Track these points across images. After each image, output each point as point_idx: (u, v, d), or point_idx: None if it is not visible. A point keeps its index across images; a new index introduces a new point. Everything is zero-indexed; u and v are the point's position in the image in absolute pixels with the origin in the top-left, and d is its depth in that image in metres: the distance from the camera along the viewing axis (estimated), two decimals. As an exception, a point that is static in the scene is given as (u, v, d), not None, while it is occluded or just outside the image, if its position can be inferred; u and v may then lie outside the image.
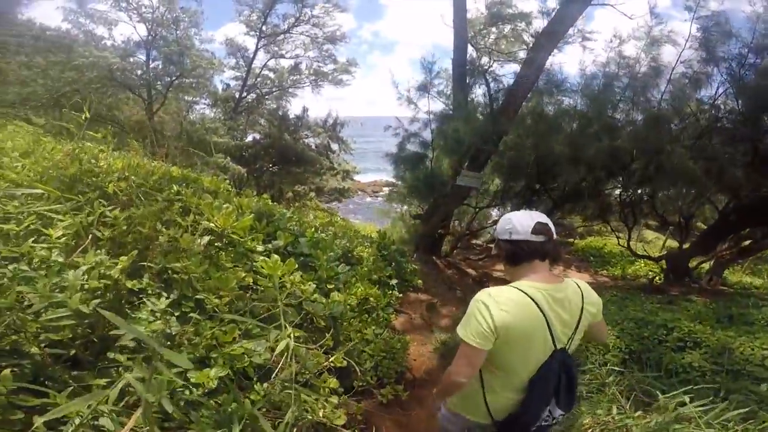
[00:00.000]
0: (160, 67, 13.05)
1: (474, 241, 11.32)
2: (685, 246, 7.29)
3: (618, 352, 3.55)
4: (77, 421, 0.97)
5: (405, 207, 11.07)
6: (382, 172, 25.23)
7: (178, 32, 13.30)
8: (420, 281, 5.66)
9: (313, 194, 15.78)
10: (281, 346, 1.42)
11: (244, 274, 2.02)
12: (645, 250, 8.99)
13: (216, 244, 2.15)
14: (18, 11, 12.46)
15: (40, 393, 1.06)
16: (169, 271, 1.74)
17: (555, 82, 7.62)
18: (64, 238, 1.57)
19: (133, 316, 1.47)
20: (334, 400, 1.73)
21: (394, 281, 4.64)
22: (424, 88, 8.26)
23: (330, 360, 1.83)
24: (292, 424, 1.33)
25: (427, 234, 8.31)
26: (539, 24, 8.12)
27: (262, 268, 1.76)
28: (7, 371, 1.03)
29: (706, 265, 7.53)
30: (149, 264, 1.72)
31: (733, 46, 6.15)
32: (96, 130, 2.77)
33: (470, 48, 8.32)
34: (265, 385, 1.52)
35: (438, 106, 8.50)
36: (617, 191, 7.78)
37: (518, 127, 7.63)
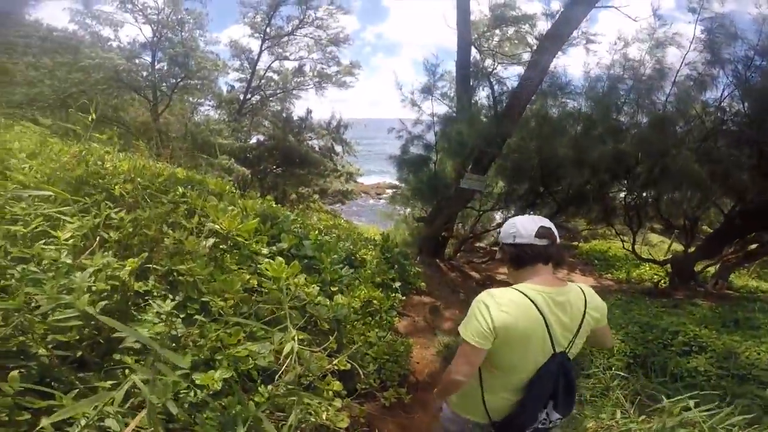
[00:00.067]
0: (165, 68, 13.18)
1: (477, 244, 11.29)
2: (691, 249, 7.24)
3: (622, 356, 3.54)
4: (83, 422, 0.97)
5: (408, 209, 11.06)
6: (386, 174, 25.31)
7: (183, 34, 13.44)
8: (423, 284, 5.65)
9: (316, 196, 15.84)
10: (285, 348, 1.43)
11: (248, 277, 2.03)
12: (650, 254, 8.95)
13: (221, 246, 2.16)
14: (25, 12, 12.61)
15: (47, 394, 1.06)
16: (175, 273, 1.75)
17: (559, 84, 7.59)
18: (72, 240, 1.58)
19: (139, 318, 1.48)
20: (338, 402, 1.73)
21: (397, 284, 4.63)
22: (427, 91, 8.28)
23: (333, 363, 1.83)
24: (295, 427, 1.34)
25: (431, 237, 8.30)
26: (543, 26, 8.11)
27: (267, 270, 1.77)
28: (14, 372, 1.04)
29: (712, 269, 7.47)
30: (155, 266, 1.74)
31: (739, 48, 6.14)
32: (102, 132, 2.78)
33: (474, 50, 8.31)
34: (270, 387, 1.52)
35: (441, 108, 8.51)
36: (622, 194, 7.75)
37: (522, 130, 7.61)
